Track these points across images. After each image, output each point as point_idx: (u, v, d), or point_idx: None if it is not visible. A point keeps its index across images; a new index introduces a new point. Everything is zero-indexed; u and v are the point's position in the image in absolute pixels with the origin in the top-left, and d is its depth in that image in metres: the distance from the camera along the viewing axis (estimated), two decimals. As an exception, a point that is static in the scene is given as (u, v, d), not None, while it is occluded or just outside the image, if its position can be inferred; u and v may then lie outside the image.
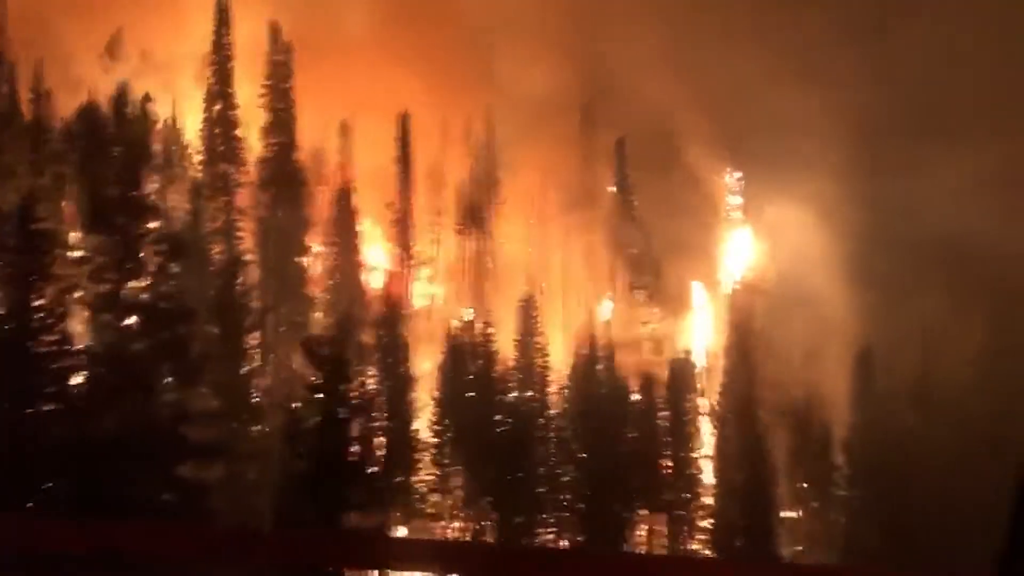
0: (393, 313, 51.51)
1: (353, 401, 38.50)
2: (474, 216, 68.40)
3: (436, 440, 49.50)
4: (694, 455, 54.55)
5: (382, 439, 48.53)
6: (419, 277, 69.76)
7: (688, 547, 52.43)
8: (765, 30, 74.39)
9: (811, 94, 67.08)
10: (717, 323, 71.01)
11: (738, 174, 71.39)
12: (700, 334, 70.65)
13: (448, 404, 49.72)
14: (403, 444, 48.57)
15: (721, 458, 54.38)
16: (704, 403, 57.96)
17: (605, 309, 68.23)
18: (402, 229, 68.24)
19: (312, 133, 71.49)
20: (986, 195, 59.07)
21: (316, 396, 38.05)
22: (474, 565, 4.90)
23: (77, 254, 41.24)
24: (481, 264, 67.83)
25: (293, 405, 51.90)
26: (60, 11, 68.06)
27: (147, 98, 67.18)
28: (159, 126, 64.43)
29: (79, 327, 41.92)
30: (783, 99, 68.85)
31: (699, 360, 67.58)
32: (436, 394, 50.24)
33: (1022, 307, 55.74)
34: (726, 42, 74.69)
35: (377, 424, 48.71)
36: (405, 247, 68.29)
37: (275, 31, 60.98)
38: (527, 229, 73.26)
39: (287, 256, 61.35)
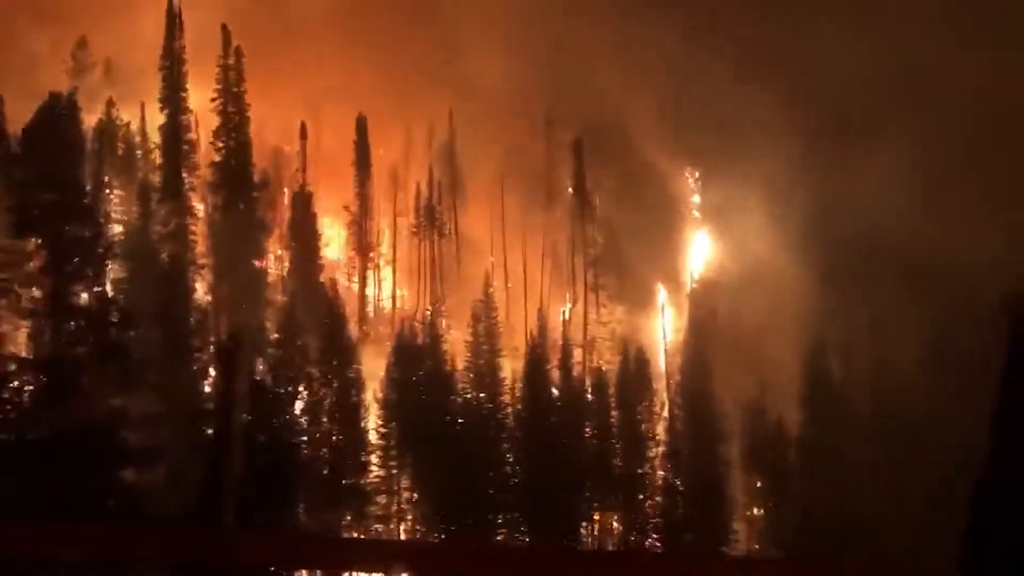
0: (336, 314, 51.19)
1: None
2: (431, 217, 68.30)
3: (382, 442, 49.36)
4: (648, 453, 54.41)
5: (331, 440, 48.43)
6: (381, 279, 69.92)
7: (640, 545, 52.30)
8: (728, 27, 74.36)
9: (767, 91, 67.12)
10: (678, 321, 71.12)
11: (697, 173, 71.36)
12: (661, 332, 70.69)
13: (395, 405, 49.58)
14: (349, 446, 48.42)
15: (674, 456, 54.22)
16: (660, 400, 57.76)
17: (565, 309, 68.15)
18: (359, 231, 68.31)
19: (274, 135, 72.09)
20: (935, 194, 59.07)
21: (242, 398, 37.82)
22: (431, 564, 4.82)
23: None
24: (439, 265, 67.77)
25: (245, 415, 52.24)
26: (25, 16, 68.28)
27: (111, 102, 67.59)
28: (119, 131, 64.87)
29: (15, 331, 41.75)
30: (741, 97, 69.02)
31: (659, 358, 67.92)
32: (380, 395, 50.09)
33: (968, 305, 55.63)
34: (687, 40, 74.67)
35: (322, 427, 48.64)
36: (362, 249, 68.35)
37: (226, 34, 60.80)
38: (490, 230, 73.33)
39: (241, 259, 61.13)
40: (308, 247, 66.38)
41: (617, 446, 53.21)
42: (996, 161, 60.79)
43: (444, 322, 63.51)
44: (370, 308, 70.76)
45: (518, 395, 53.82)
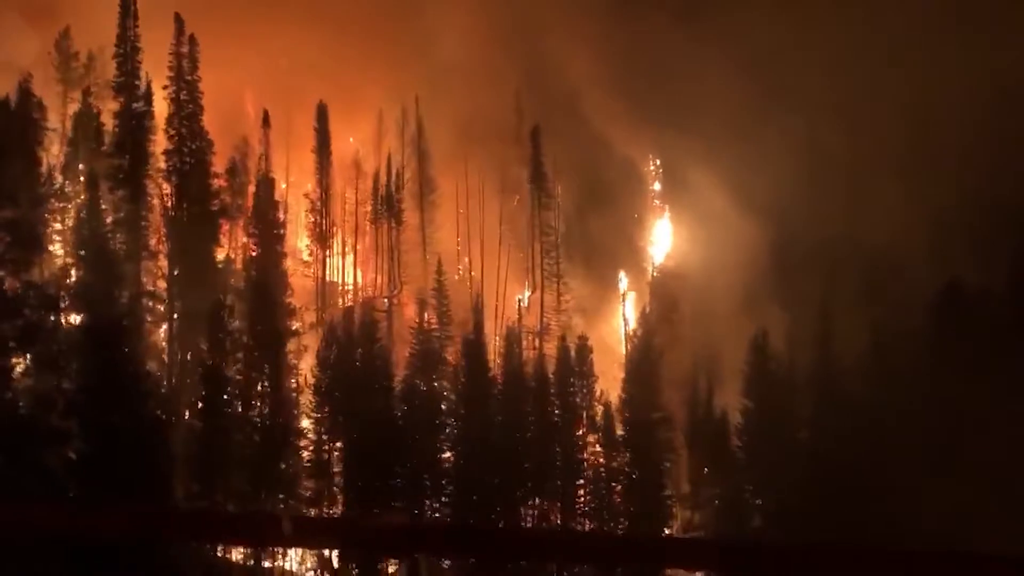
0: (266, 300, 51.66)
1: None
2: (390, 205, 68.64)
3: (314, 426, 49.92)
4: (585, 439, 54.69)
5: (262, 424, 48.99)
6: (344, 266, 70.42)
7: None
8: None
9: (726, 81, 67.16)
10: (636, 310, 71.38)
11: (658, 160, 71.44)
12: (622, 319, 70.93)
13: (328, 390, 50.09)
14: (279, 430, 48.99)
15: (611, 443, 54.45)
16: (602, 388, 57.94)
17: (522, 296, 68.40)
18: (319, 218, 68.78)
19: (241, 122, 72.65)
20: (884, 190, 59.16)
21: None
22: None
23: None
24: (397, 252, 68.13)
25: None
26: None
27: (87, 91, 68.15)
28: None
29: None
30: (705, 84, 69.06)
31: (621, 345, 68.31)
32: (313, 381, 50.62)
33: (913, 298, 55.73)
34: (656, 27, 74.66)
35: (254, 411, 49.23)
36: (321, 236, 68.81)
37: (179, 22, 61.29)
38: (454, 218, 73.65)
39: (196, 247, 61.64)
40: (269, 234, 67.02)
41: (555, 432, 53.42)
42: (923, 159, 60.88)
43: (394, 307, 64.21)
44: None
45: (462, 381, 54.10)
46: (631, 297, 71.80)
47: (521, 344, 59.22)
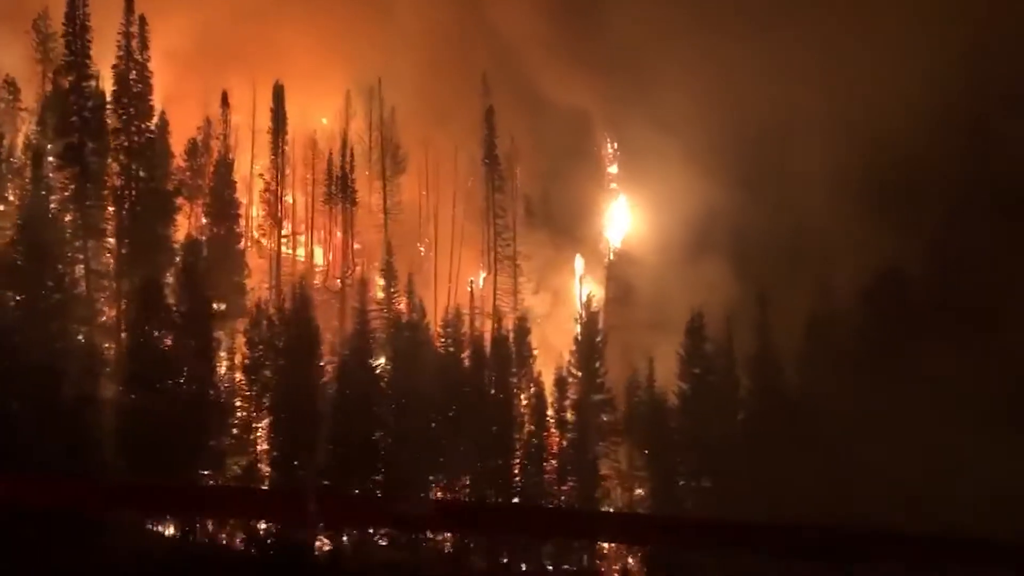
0: (193, 281, 51.99)
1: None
2: (344, 187, 68.79)
3: (243, 404, 50.28)
4: (516, 420, 54.81)
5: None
6: (297, 247, 70.70)
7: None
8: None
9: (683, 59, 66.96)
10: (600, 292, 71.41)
11: (616, 143, 71.37)
12: (578, 302, 70.89)
13: (257, 370, 50.43)
14: (211, 408, 49.36)
15: (540, 424, 54.59)
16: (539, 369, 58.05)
17: (475, 278, 68.48)
18: (274, 199, 69.04)
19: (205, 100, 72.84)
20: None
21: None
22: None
23: None
24: (350, 234, 68.34)
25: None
26: None
27: (58, 71, 68.49)
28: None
29: None
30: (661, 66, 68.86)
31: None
32: (239, 359, 50.95)
33: (845, 280, 55.66)
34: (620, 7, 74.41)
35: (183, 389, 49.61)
36: (276, 218, 69.07)
37: (128, 1, 61.49)
38: (417, 199, 73.84)
39: (147, 225, 61.99)
40: (226, 213, 67.47)
41: (485, 412, 53.59)
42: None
43: (349, 288, 64.40)
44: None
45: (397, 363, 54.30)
46: (589, 280, 71.80)
47: (465, 325, 59.30)
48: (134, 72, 61.14)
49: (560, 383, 55.54)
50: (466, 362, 57.01)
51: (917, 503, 46.11)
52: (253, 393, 50.38)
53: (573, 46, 72.74)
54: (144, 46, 61.70)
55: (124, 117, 60.69)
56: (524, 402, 55.35)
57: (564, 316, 68.86)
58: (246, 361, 51.10)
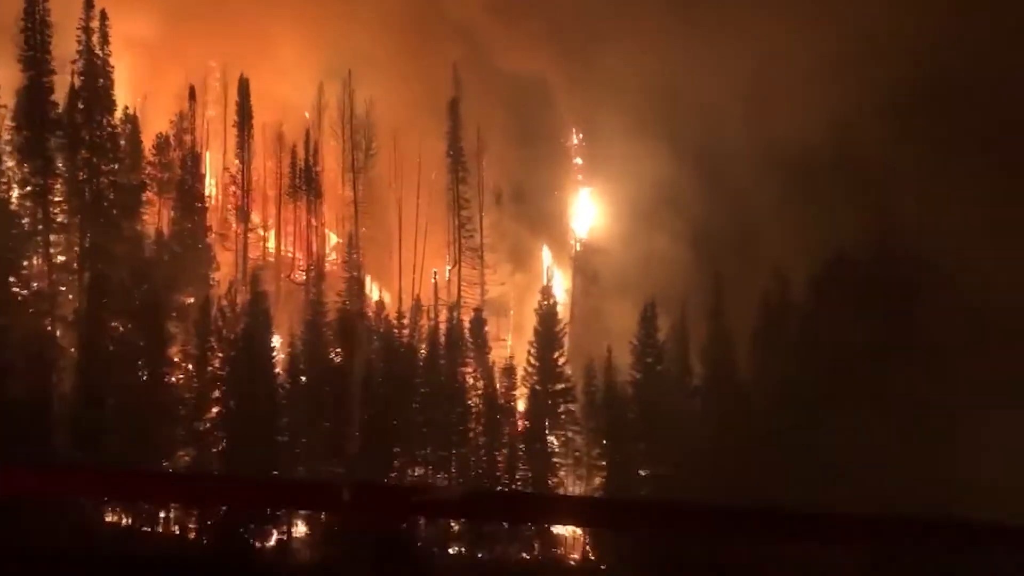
0: (140, 271, 52.36)
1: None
2: (308, 180, 69.05)
3: (191, 395, 50.69)
4: (468, 411, 54.99)
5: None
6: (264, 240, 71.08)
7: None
8: None
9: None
10: (568, 283, 71.66)
11: (581, 134, 71.44)
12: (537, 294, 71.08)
13: (203, 361, 50.79)
14: (159, 396, 49.74)
15: (490, 412, 54.76)
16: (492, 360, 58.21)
17: (442, 270, 68.65)
18: (239, 193, 69.42)
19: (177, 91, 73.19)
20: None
21: None
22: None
23: None
24: (318, 228, 68.67)
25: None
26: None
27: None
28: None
29: None
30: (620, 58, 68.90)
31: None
32: (189, 349, 51.34)
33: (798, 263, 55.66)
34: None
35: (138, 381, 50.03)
36: (243, 212, 69.43)
37: None
38: (385, 193, 74.06)
39: (111, 220, 62.40)
40: (192, 208, 67.93)
41: (438, 402, 53.81)
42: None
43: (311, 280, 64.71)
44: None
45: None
46: (558, 270, 71.98)
47: (424, 316, 59.52)
48: (95, 66, 61.54)
49: (508, 372, 55.71)
50: (423, 352, 57.20)
51: (868, 487, 46.21)
52: (197, 385, 50.63)
53: (544, 36, 72.80)
54: (105, 41, 62.06)
55: (85, 112, 61.08)
56: (480, 391, 55.42)
57: (531, 307, 69.07)
58: (195, 352, 51.33)
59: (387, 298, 67.00)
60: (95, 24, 61.65)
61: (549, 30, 71.54)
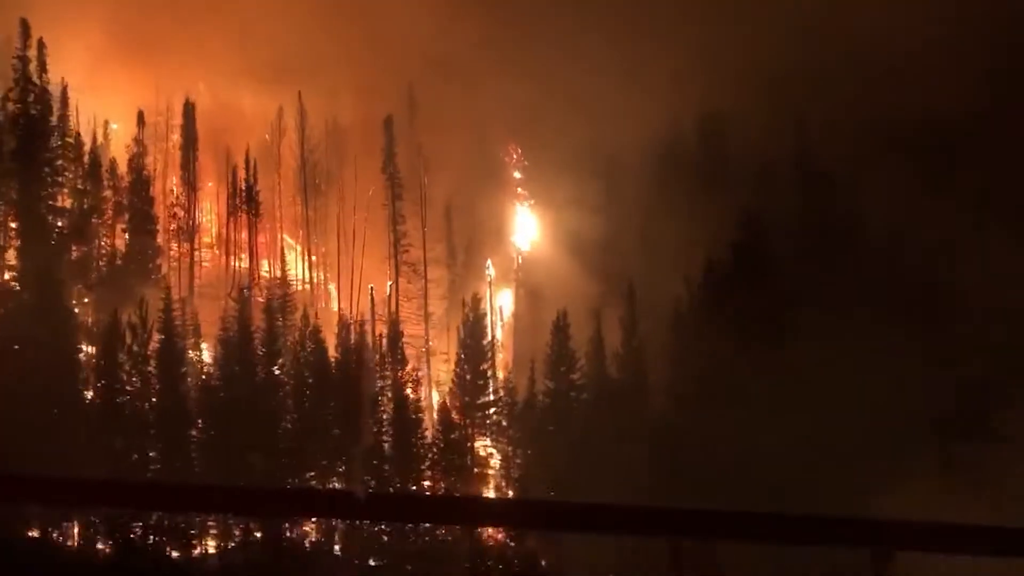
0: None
1: None
2: (250, 198, 70.52)
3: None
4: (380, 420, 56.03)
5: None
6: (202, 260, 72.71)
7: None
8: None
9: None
10: (514, 298, 72.57)
11: (520, 149, 72.42)
12: (488, 308, 71.94)
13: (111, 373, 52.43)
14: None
15: (400, 420, 55.79)
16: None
17: (382, 285, 69.80)
18: (184, 213, 71.07)
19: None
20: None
21: None
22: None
23: None
24: (254, 245, 70.08)
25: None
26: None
27: None
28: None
29: None
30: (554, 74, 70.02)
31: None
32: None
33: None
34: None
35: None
36: (188, 231, 71.04)
37: (24, 27, 63.77)
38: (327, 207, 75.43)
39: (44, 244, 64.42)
40: (142, 228, 69.86)
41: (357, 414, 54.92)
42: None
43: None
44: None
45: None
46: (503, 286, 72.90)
47: (353, 332, 60.65)
48: (33, 94, 63.54)
49: (414, 383, 56.87)
50: (352, 366, 58.33)
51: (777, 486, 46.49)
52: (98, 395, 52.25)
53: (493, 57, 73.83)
54: (43, 69, 64.09)
55: (24, 139, 63.06)
56: (398, 402, 56.48)
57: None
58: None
59: (330, 311, 68.53)
60: (32, 53, 63.80)
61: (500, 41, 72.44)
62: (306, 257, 74.50)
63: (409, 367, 58.36)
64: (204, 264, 73.98)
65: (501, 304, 73.14)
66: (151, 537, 50.16)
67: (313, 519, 48.70)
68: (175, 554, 51.29)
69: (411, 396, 56.12)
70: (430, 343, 65.33)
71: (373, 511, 9.58)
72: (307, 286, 73.36)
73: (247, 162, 71.15)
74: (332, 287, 73.87)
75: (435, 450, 54.67)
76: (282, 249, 65.99)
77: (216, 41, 77.82)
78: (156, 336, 53.63)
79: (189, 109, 71.39)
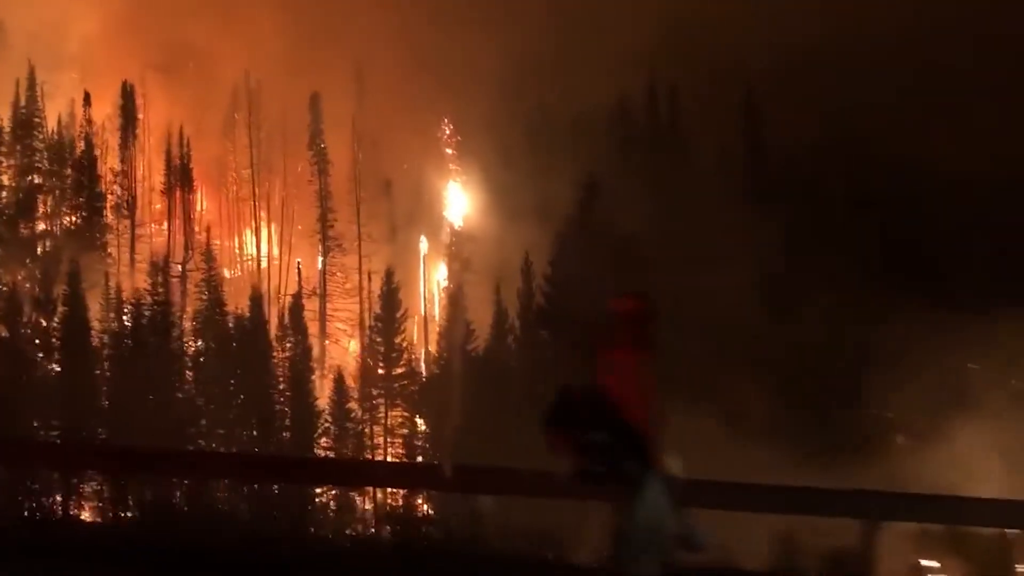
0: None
1: None
2: (185, 176, 72.09)
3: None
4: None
5: None
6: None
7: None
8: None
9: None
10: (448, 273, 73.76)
11: (452, 125, 73.27)
12: (422, 284, 73.32)
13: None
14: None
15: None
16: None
17: (309, 262, 71.19)
18: (123, 193, 72.81)
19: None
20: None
21: None
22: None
23: None
24: (188, 225, 71.69)
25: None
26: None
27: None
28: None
29: None
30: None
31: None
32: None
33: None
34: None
35: None
36: (125, 209, 72.78)
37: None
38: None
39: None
40: (91, 208, 72.19)
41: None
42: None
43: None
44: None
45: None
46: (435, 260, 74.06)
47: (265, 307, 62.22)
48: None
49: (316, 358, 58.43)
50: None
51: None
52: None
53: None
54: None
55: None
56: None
57: (409, 299, 71.32)
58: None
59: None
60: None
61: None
62: (254, 232, 75.89)
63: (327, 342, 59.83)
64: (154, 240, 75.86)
65: (439, 278, 74.31)
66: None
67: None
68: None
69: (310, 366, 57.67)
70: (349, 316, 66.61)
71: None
72: (256, 263, 74.96)
73: (180, 139, 72.65)
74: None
75: (327, 417, 56.15)
76: (208, 227, 67.57)
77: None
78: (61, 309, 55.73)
79: (127, 89, 73.17)
